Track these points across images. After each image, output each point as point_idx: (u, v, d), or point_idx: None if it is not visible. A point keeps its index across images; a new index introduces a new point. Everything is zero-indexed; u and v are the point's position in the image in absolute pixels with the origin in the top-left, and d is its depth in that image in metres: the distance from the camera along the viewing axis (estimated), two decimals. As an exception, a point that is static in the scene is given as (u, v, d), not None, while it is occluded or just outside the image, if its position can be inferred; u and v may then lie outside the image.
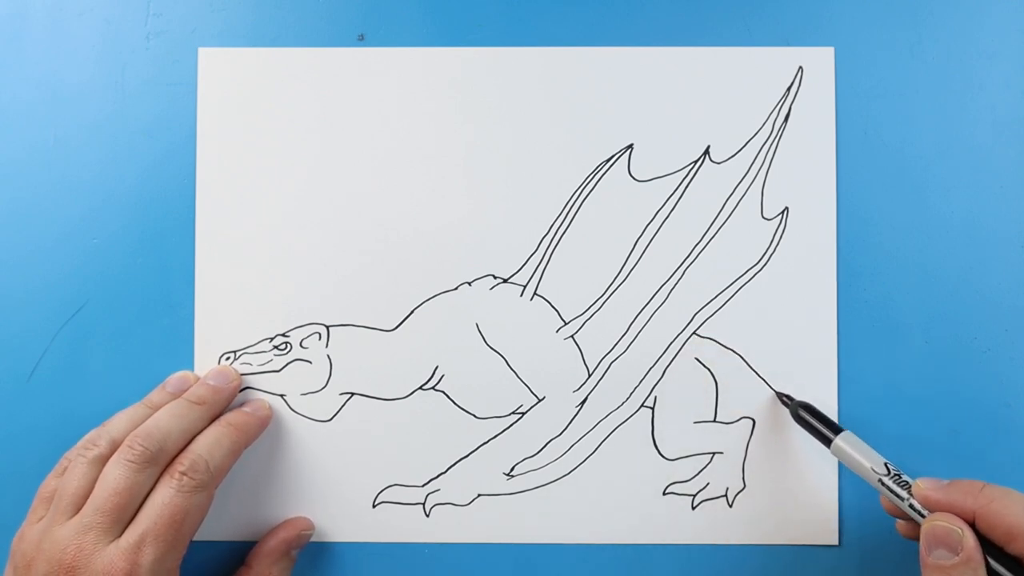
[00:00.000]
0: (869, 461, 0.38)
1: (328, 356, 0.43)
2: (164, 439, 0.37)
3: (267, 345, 0.43)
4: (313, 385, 0.43)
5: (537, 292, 0.43)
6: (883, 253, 0.43)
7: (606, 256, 0.43)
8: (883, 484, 0.37)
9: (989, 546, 0.33)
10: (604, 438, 0.42)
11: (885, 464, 0.37)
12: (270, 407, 0.42)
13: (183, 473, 0.37)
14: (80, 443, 0.38)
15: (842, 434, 0.39)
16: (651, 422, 0.42)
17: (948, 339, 0.42)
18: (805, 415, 0.40)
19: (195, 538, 0.39)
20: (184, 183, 0.43)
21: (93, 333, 0.43)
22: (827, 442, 0.39)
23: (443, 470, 0.43)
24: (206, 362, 0.43)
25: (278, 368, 0.43)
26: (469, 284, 0.43)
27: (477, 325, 0.43)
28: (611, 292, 0.43)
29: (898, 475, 0.37)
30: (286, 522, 0.42)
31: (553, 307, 0.43)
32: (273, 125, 0.43)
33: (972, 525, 0.34)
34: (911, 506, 0.36)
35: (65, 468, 0.39)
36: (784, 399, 0.41)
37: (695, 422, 0.42)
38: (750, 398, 0.42)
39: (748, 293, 0.42)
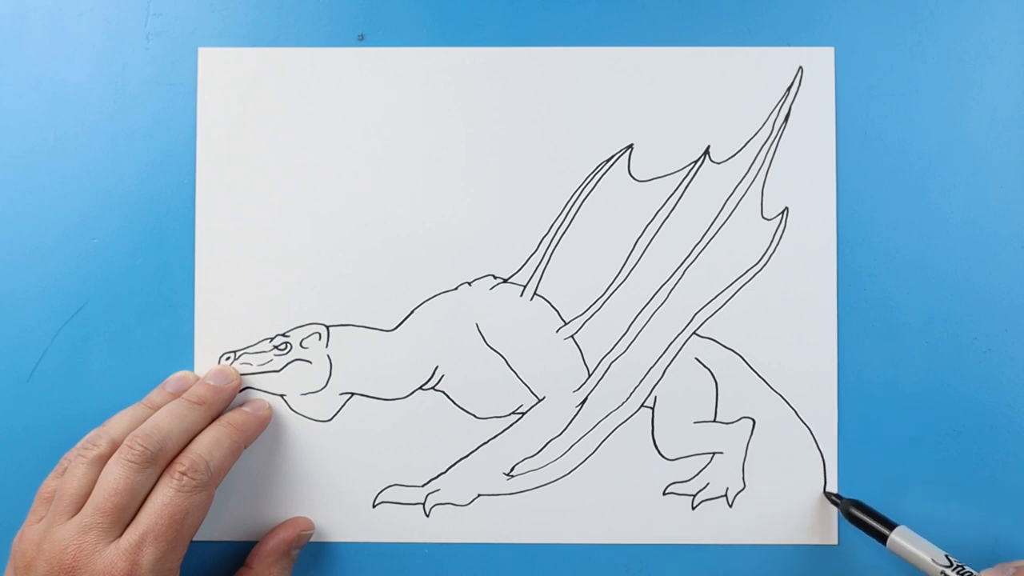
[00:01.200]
0: (929, 555, 0.36)
1: (328, 356, 0.43)
2: (164, 439, 0.37)
3: (267, 345, 0.43)
4: (313, 385, 0.43)
5: (537, 292, 0.43)
6: (883, 253, 0.43)
7: (606, 256, 0.43)
8: None
9: None
10: (604, 438, 0.42)
11: (947, 556, 0.36)
12: (270, 407, 0.42)
13: (183, 473, 0.37)
14: (80, 443, 0.38)
15: (897, 529, 0.38)
16: (651, 422, 0.42)
17: (948, 339, 0.42)
18: (857, 512, 0.39)
19: (195, 538, 0.39)
20: (184, 183, 0.43)
21: (93, 333, 0.43)
22: (882, 539, 0.38)
23: (443, 470, 0.43)
24: (206, 362, 0.43)
25: (278, 368, 0.43)
26: (469, 284, 0.43)
27: (477, 325, 0.43)
28: (611, 292, 0.43)
29: (961, 567, 0.35)
30: (286, 522, 0.42)
31: (553, 307, 0.43)
32: (273, 125, 0.43)
33: None
34: None
35: (65, 468, 0.39)
36: (833, 499, 0.41)
37: (695, 422, 0.42)
38: (750, 398, 0.42)
39: (748, 293, 0.42)
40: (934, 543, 0.37)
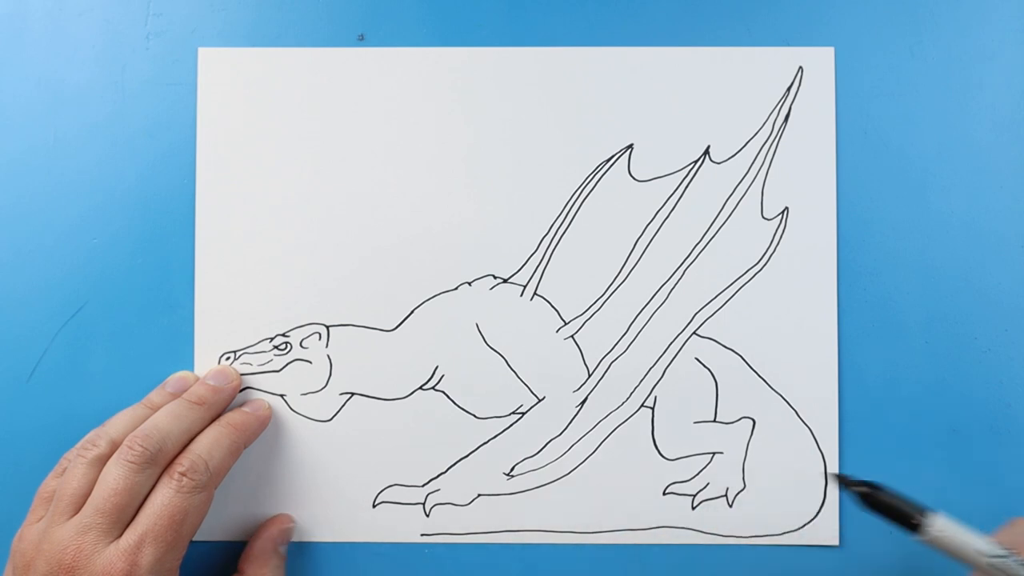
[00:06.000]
0: (974, 543, 0.32)
1: (328, 356, 0.43)
2: (163, 439, 0.37)
3: (267, 345, 0.43)
4: (313, 385, 0.43)
5: (537, 292, 0.43)
6: (883, 253, 0.43)
7: (606, 256, 0.43)
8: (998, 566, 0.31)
9: None
10: (604, 438, 0.42)
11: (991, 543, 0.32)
12: (270, 407, 0.42)
13: (183, 474, 0.37)
14: (80, 443, 0.38)
15: (937, 517, 0.33)
16: (651, 422, 0.42)
17: (948, 339, 0.42)
18: (884, 497, 0.34)
19: (195, 538, 0.39)
20: (184, 183, 0.43)
21: (93, 333, 0.43)
22: (913, 527, 0.33)
23: (443, 470, 0.42)
24: (206, 362, 0.43)
25: (278, 368, 0.43)
26: (469, 284, 0.43)
27: (477, 325, 0.43)
28: (611, 292, 0.43)
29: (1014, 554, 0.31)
30: (267, 521, 0.42)
31: (553, 307, 0.43)
32: (273, 125, 0.43)
33: None
34: None
35: (64, 468, 0.39)
36: (845, 481, 0.36)
37: (695, 422, 0.42)
38: (750, 398, 0.42)
39: (748, 293, 0.42)
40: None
